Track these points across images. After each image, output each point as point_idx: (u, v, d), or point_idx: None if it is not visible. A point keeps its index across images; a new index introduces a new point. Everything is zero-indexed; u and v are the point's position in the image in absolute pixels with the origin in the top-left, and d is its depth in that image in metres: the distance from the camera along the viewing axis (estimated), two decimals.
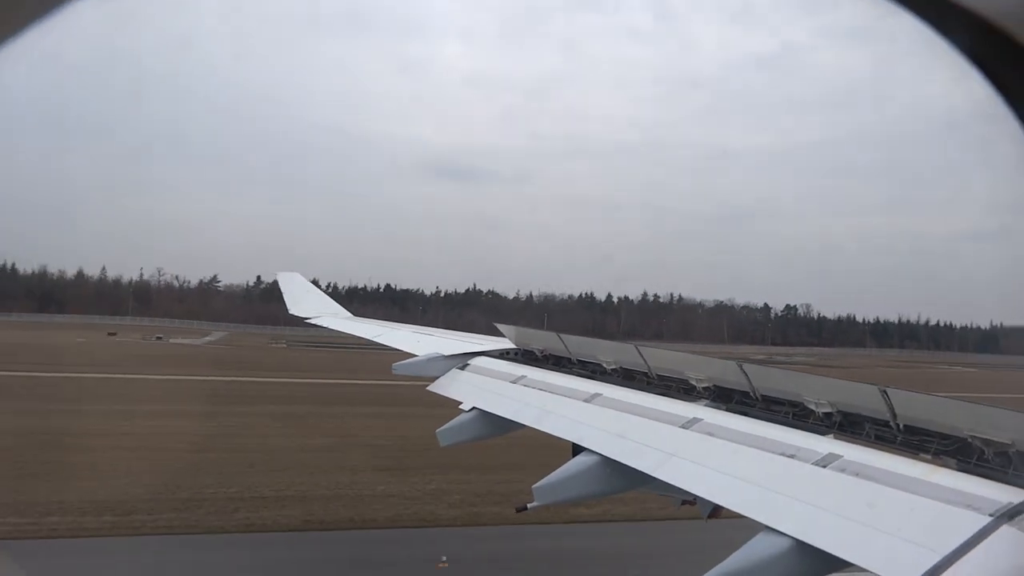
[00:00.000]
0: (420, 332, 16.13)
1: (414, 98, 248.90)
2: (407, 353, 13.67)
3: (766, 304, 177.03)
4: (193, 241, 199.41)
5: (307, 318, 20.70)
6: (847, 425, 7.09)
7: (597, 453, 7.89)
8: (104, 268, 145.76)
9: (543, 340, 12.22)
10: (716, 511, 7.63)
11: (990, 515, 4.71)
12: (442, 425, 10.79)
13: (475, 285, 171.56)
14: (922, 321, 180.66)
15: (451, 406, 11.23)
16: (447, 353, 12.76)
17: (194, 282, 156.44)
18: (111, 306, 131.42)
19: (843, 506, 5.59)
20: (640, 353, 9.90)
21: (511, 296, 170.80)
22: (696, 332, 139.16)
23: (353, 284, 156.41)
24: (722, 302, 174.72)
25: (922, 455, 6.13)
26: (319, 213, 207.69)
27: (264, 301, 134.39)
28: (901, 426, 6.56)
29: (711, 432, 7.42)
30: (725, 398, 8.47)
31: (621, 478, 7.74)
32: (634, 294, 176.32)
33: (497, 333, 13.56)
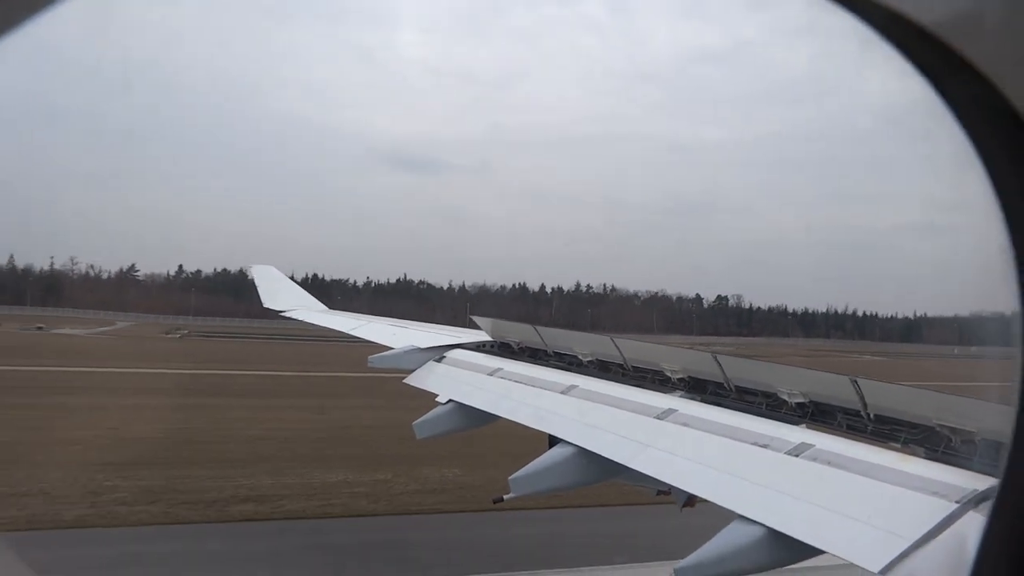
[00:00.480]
0: (396, 325, 16.07)
1: (373, 88, 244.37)
2: (382, 346, 13.61)
3: (698, 295, 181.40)
4: (149, 232, 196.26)
5: (281, 311, 20.52)
6: (819, 415, 7.19)
7: (573, 444, 7.93)
8: (12, 257, 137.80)
9: (520, 333, 12.23)
10: (691, 500, 7.69)
11: (956, 502, 4.81)
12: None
13: (406, 275, 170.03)
14: (849, 311, 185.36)
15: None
16: (423, 346, 12.73)
17: (113, 271, 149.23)
18: (14, 296, 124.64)
19: (815, 494, 5.66)
20: (616, 345, 9.95)
21: (444, 287, 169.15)
22: (628, 322, 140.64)
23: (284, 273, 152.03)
24: (655, 293, 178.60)
25: (892, 444, 6.25)
26: (275, 203, 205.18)
27: (184, 290, 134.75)
28: (872, 415, 6.67)
29: (685, 423, 7.49)
30: (700, 389, 8.55)
31: (597, 469, 7.78)
32: (568, 285, 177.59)
33: (474, 326, 13.56)
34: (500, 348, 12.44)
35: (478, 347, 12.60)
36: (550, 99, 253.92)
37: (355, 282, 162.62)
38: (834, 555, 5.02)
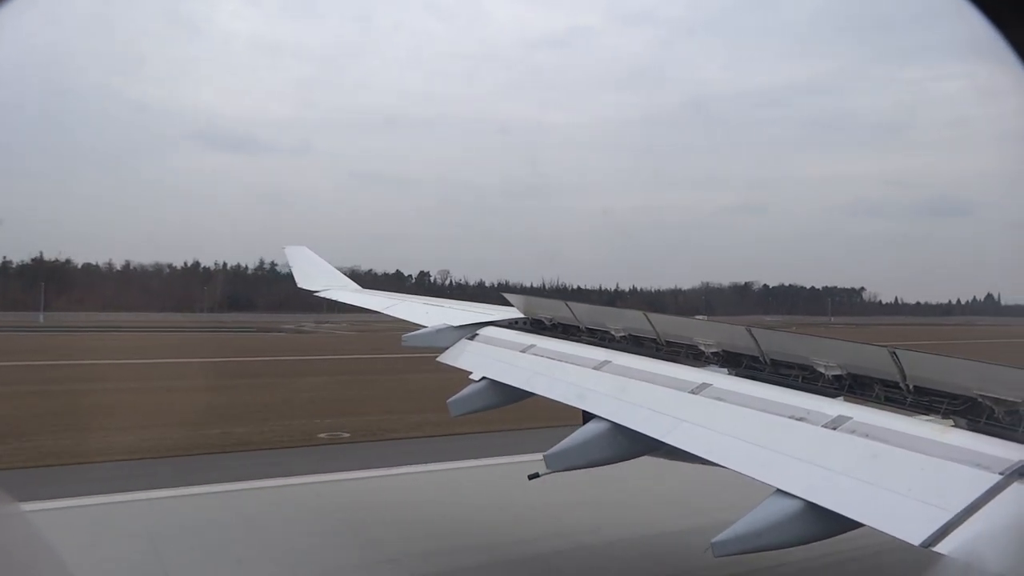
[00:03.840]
0: (430, 303, 16.17)
1: (191, 61, 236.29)
2: (415, 324, 13.72)
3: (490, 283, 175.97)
4: None
5: (316, 291, 20.76)
6: (857, 387, 7.10)
7: (607, 420, 7.94)
8: None
9: (551, 309, 12.23)
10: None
11: (1000, 473, 4.74)
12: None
13: (198, 261, 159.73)
14: (653, 289, 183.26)
15: None
16: (456, 324, 12.80)
17: None
18: None
19: (853, 467, 5.62)
20: (649, 320, 9.91)
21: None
22: None
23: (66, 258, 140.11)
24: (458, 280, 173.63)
25: (932, 415, 6.15)
26: (83, 183, 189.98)
27: None
28: (911, 387, 6.57)
29: (720, 397, 7.45)
30: (734, 363, 8.49)
31: (631, 444, 7.80)
32: (389, 269, 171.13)
33: (505, 303, 13.59)
34: (532, 325, 12.47)
35: (510, 324, 12.64)
36: (385, 80, 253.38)
37: (171, 265, 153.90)
38: (874, 528, 4.99)
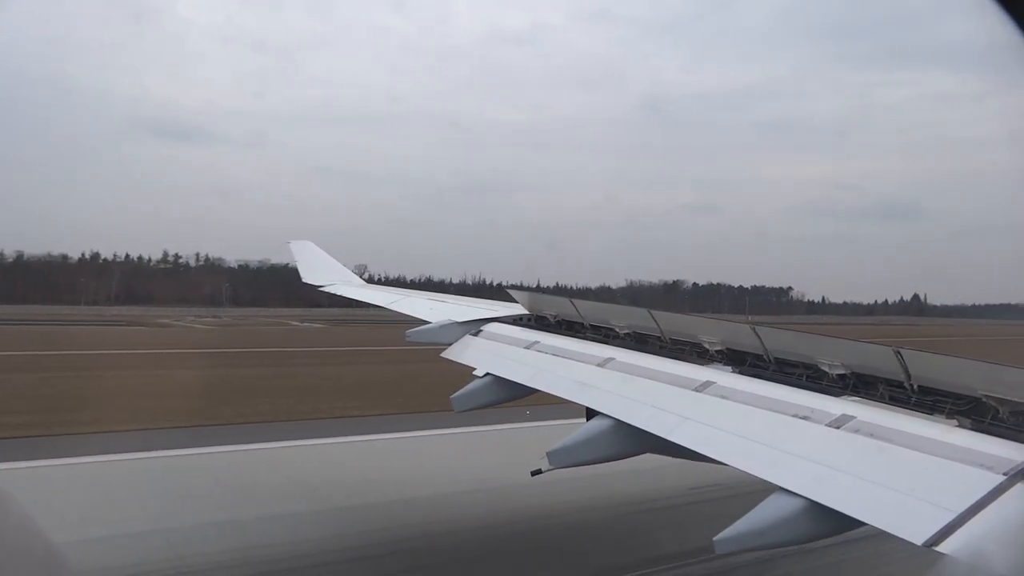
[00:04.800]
0: (434, 299, 16.19)
1: (141, 50, 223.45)
2: (420, 320, 13.74)
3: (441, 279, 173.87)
4: None
5: (320, 286, 20.78)
6: (861, 386, 7.09)
7: (611, 417, 7.95)
8: None
9: (556, 305, 12.24)
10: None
11: (1004, 474, 4.73)
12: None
13: (149, 256, 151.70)
14: (636, 283, 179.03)
15: None
16: (460, 320, 12.81)
17: None
18: None
19: (857, 466, 5.62)
20: (653, 317, 9.91)
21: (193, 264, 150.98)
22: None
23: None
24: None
25: (936, 415, 6.14)
26: (17, 170, 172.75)
27: None
28: (915, 386, 6.56)
29: (724, 395, 7.45)
30: (738, 361, 8.49)
31: (634, 441, 7.81)
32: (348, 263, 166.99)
33: (510, 299, 13.60)
34: (536, 321, 12.47)
35: (515, 320, 12.65)
36: (343, 74, 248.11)
37: (114, 255, 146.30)
38: (876, 527, 4.99)
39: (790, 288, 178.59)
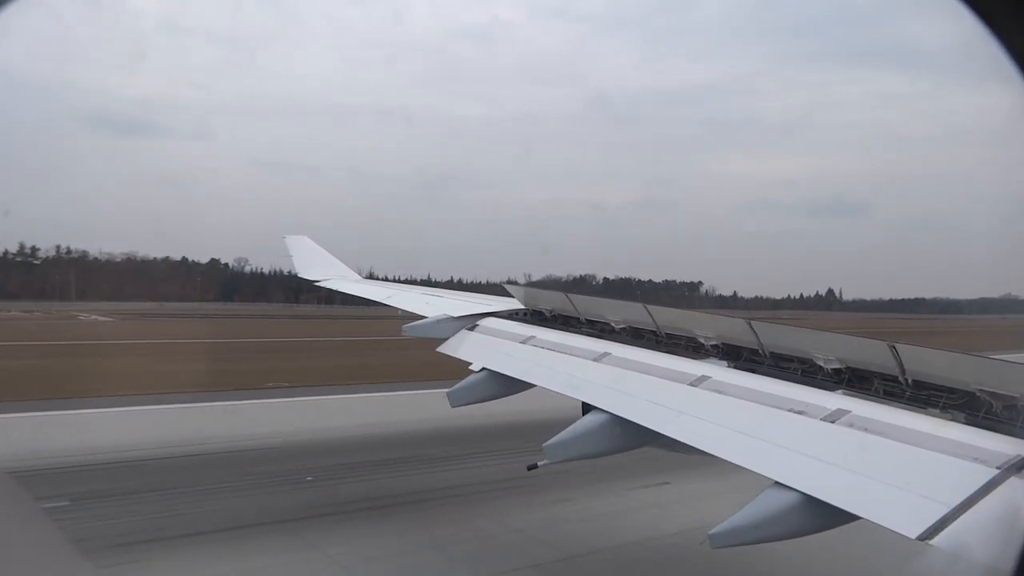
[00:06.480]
0: (429, 293, 16.16)
1: (88, 40, 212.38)
2: (416, 315, 13.72)
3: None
4: None
5: (316, 281, 20.74)
6: (856, 381, 7.11)
7: (606, 411, 7.96)
8: None
9: (552, 300, 12.23)
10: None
11: (997, 468, 4.75)
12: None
13: (67, 247, 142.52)
14: (600, 279, 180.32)
15: None
16: (456, 314, 12.80)
17: None
18: None
19: (851, 460, 5.63)
20: (648, 312, 9.91)
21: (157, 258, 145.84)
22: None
23: None
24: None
25: (930, 410, 6.16)
26: None
27: None
28: (910, 381, 6.58)
29: (720, 389, 7.46)
30: (734, 356, 8.50)
31: (630, 435, 7.81)
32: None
33: (506, 294, 13.58)
34: (532, 316, 12.47)
35: (510, 315, 12.64)
36: (298, 67, 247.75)
37: (60, 249, 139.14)
38: (871, 521, 5.01)
39: (700, 283, 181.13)
